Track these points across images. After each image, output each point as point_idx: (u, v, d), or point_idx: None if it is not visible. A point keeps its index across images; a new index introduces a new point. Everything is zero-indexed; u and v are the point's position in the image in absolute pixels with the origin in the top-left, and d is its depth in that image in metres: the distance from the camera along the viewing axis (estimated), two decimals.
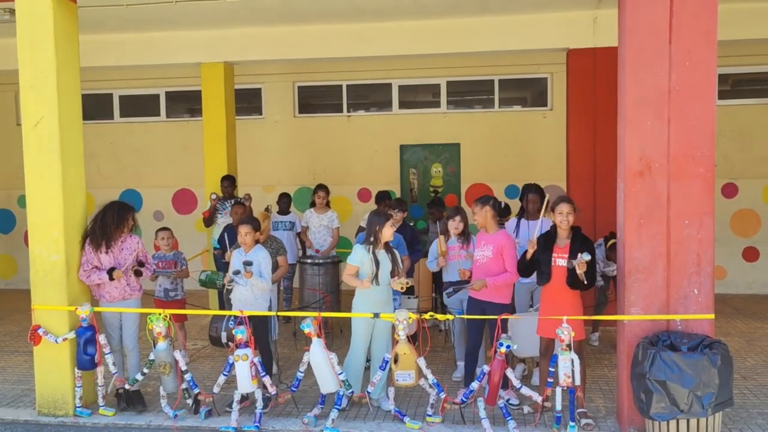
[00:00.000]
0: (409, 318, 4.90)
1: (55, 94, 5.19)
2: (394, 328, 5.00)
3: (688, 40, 4.50)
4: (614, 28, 7.53)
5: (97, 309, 5.28)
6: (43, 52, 5.18)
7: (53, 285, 5.22)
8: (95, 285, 5.38)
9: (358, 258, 5.21)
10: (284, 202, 8.21)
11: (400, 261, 5.34)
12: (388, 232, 5.19)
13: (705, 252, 4.57)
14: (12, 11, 6.49)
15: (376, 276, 5.12)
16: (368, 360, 5.49)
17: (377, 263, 5.14)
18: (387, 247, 5.27)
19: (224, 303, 7.90)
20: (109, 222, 5.32)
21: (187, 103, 10.87)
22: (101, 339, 5.24)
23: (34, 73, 5.20)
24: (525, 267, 5.05)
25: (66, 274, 5.22)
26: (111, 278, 5.26)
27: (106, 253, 5.31)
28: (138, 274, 5.38)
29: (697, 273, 4.58)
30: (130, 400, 5.38)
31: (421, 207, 10.16)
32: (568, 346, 4.60)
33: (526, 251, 5.01)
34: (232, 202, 8.02)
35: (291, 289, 8.31)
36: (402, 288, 5.13)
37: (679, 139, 4.55)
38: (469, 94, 10.40)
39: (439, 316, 5.27)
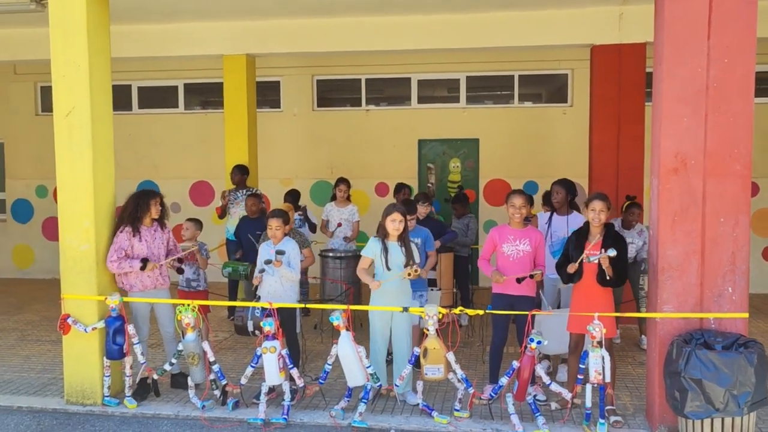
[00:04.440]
0: (440, 313, 4.90)
1: (87, 84, 5.20)
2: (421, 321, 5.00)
3: (728, 35, 4.44)
4: (640, 24, 7.52)
5: (126, 299, 5.29)
6: (75, 42, 5.18)
7: (83, 274, 5.23)
8: (122, 274, 5.35)
9: (370, 249, 5.27)
10: (292, 198, 8.11)
11: (416, 253, 5.32)
12: (390, 226, 5.17)
13: (740, 250, 4.54)
14: (39, 1, 6.51)
15: (386, 265, 5.14)
16: (390, 354, 5.48)
17: (386, 253, 5.16)
18: (402, 238, 5.25)
19: (236, 294, 7.97)
20: (135, 207, 5.36)
21: (205, 95, 10.87)
22: (130, 329, 5.25)
23: (66, 63, 5.21)
24: (568, 277, 4.99)
25: (96, 264, 5.23)
26: (142, 269, 5.26)
27: (140, 239, 5.32)
28: (180, 272, 5.37)
29: (731, 271, 4.54)
30: (155, 389, 5.42)
31: (438, 202, 10.13)
32: (599, 342, 4.59)
33: (562, 261, 5.02)
34: (244, 192, 8.04)
35: (307, 282, 8.28)
36: (408, 276, 5.09)
37: (716, 136, 4.50)
38: (488, 89, 10.36)
39: (469, 311, 5.26)
